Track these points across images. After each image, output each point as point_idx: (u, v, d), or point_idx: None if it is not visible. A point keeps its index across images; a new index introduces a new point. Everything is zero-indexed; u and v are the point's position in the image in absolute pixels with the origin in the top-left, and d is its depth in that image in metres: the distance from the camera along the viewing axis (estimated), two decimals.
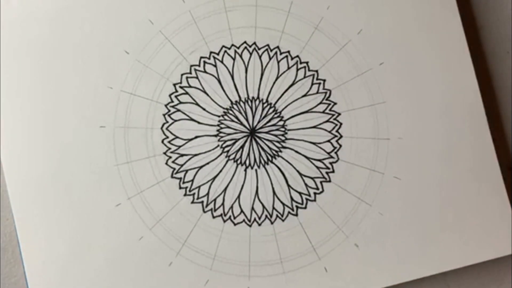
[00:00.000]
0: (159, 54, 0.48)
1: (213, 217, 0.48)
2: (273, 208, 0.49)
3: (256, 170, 0.49)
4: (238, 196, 0.49)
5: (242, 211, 0.49)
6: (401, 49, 0.52)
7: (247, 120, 0.50)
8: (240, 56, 0.50)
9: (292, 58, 0.50)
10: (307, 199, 0.49)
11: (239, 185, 0.49)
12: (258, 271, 0.48)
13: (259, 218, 0.49)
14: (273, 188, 0.49)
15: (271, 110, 0.50)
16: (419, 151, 0.51)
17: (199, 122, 0.49)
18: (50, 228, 0.46)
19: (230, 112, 0.49)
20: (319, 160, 0.50)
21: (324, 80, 0.51)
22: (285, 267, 0.48)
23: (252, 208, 0.49)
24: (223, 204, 0.48)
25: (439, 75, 0.52)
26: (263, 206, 0.49)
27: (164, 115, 0.48)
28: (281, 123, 0.50)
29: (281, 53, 0.50)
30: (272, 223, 0.49)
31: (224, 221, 0.48)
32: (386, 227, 0.50)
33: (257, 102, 0.50)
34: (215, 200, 0.48)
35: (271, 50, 0.50)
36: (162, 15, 0.49)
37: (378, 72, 0.51)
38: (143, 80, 0.48)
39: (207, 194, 0.48)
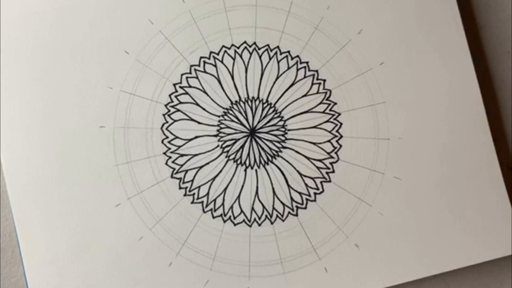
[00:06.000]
0: (159, 54, 0.48)
1: (213, 217, 0.48)
2: (273, 208, 0.49)
3: (256, 170, 0.49)
4: (238, 196, 0.49)
5: (242, 211, 0.49)
6: (401, 49, 0.52)
7: (247, 120, 0.50)
8: (240, 56, 0.50)
9: (292, 58, 0.50)
10: (307, 199, 0.49)
11: (239, 185, 0.49)
12: (258, 271, 0.48)
13: (259, 218, 0.49)
14: (273, 188, 0.49)
15: (271, 110, 0.50)
16: (419, 151, 0.51)
17: (199, 122, 0.49)
18: (50, 228, 0.46)
19: (230, 112, 0.49)
20: (319, 160, 0.50)
21: (324, 80, 0.51)
22: (285, 267, 0.48)
23: (252, 208, 0.49)
24: (223, 204, 0.48)
25: (440, 75, 0.52)
26: (263, 206, 0.49)
27: (164, 115, 0.48)
28: (281, 123, 0.50)
29: (281, 53, 0.50)
30: (272, 223, 0.49)
31: (224, 221, 0.48)
32: (386, 227, 0.50)
33: (257, 102, 0.50)
34: (215, 200, 0.48)
35: (271, 50, 0.50)
36: (162, 15, 0.49)
37: (378, 72, 0.51)
38: (143, 80, 0.48)
39: (207, 194, 0.48)
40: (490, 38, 0.56)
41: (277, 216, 0.49)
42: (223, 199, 0.48)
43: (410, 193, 0.51)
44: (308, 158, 0.50)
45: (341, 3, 0.51)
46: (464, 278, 0.53)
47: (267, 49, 0.50)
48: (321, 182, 0.50)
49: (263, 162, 0.49)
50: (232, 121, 0.49)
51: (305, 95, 0.50)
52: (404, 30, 0.52)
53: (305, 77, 0.50)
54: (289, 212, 0.49)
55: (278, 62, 0.50)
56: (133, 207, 0.47)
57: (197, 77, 0.49)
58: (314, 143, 0.50)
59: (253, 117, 0.50)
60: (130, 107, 0.48)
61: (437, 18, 0.52)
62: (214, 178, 0.49)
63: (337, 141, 0.50)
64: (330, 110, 0.50)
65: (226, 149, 0.49)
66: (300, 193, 0.49)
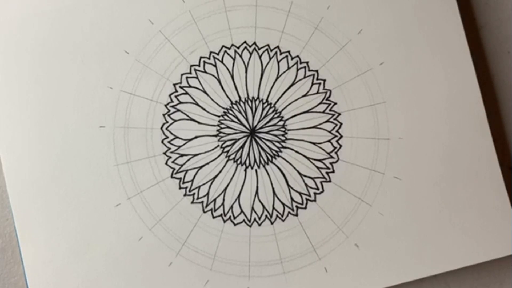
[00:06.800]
0: (159, 54, 0.48)
1: (213, 217, 0.48)
2: (273, 208, 0.49)
3: (256, 170, 0.49)
4: (238, 196, 0.49)
5: (242, 211, 0.49)
6: (401, 49, 0.52)
7: (247, 120, 0.50)
8: (240, 56, 0.50)
9: (292, 58, 0.50)
10: (307, 199, 0.49)
11: (239, 185, 0.49)
12: (258, 271, 0.48)
13: (259, 218, 0.49)
14: (273, 188, 0.49)
15: (271, 110, 0.50)
16: (419, 151, 0.51)
17: (199, 122, 0.49)
18: (50, 228, 0.46)
19: (230, 112, 0.49)
20: (319, 160, 0.50)
21: (324, 80, 0.51)
22: (285, 267, 0.48)
23: (252, 208, 0.49)
24: (223, 204, 0.48)
25: (440, 75, 0.52)
26: (263, 206, 0.49)
27: (164, 115, 0.48)
28: (281, 123, 0.50)
29: (281, 53, 0.50)
30: (272, 223, 0.49)
31: (224, 221, 0.48)
32: (386, 227, 0.50)
33: (257, 102, 0.50)
34: (215, 200, 0.48)
35: (271, 50, 0.50)
36: (162, 15, 0.49)
37: (378, 72, 0.51)
38: (143, 80, 0.48)
39: (207, 194, 0.48)
40: (490, 38, 0.56)
41: (277, 216, 0.49)
42: (223, 199, 0.48)
43: (410, 193, 0.51)
44: (308, 158, 0.50)
45: (341, 3, 0.51)
46: (464, 278, 0.53)
47: (267, 49, 0.50)
48: (321, 182, 0.50)
49: (263, 162, 0.49)
50: (232, 121, 0.49)
51: (305, 95, 0.50)
52: (404, 30, 0.52)
53: (305, 77, 0.50)
54: (289, 212, 0.49)
55: (278, 62, 0.50)
56: (133, 207, 0.47)
57: (197, 77, 0.49)
58: (314, 143, 0.50)
59: (253, 117, 0.50)
60: (130, 107, 0.48)
61: (437, 18, 0.53)
62: (214, 178, 0.49)
63: (337, 141, 0.50)
64: (330, 110, 0.50)
65: (226, 149, 0.49)
66: (300, 193, 0.49)
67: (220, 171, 0.49)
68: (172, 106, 0.48)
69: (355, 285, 0.49)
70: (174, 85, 0.49)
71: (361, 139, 0.51)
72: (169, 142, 0.48)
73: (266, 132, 0.50)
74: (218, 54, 0.49)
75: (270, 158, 0.49)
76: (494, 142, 0.52)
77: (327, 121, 0.50)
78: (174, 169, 0.48)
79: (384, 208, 0.50)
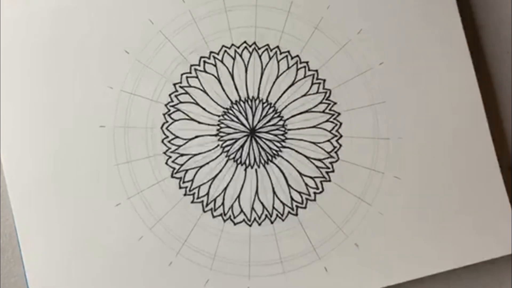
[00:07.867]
0: (159, 54, 0.48)
1: (213, 216, 0.48)
2: (273, 207, 0.49)
3: (256, 169, 0.49)
4: (238, 196, 0.49)
5: (242, 210, 0.49)
6: (401, 49, 0.52)
7: (247, 119, 0.50)
8: (240, 55, 0.50)
9: (292, 58, 0.50)
10: (307, 199, 0.49)
11: (239, 185, 0.49)
12: (258, 271, 0.48)
13: (259, 218, 0.49)
14: (273, 188, 0.49)
15: (271, 109, 0.50)
16: (419, 151, 0.51)
17: (199, 122, 0.49)
18: (50, 228, 0.46)
19: (230, 111, 0.49)
20: (319, 160, 0.50)
21: (324, 80, 0.51)
22: (285, 267, 0.48)
23: (252, 208, 0.49)
24: (223, 203, 0.48)
25: (439, 75, 0.52)
26: (263, 206, 0.49)
27: (164, 114, 0.48)
28: (281, 122, 0.50)
29: (281, 53, 0.50)
30: (272, 222, 0.49)
31: (224, 220, 0.48)
32: (386, 227, 0.50)
33: (257, 101, 0.50)
34: (215, 199, 0.48)
35: (271, 50, 0.50)
36: (162, 15, 0.49)
37: (378, 72, 0.51)
38: (143, 80, 0.48)
39: (207, 193, 0.48)
40: (490, 38, 0.56)
41: (277, 215, 0.49)
42: (223, 199, 0.48)
43: (410, 193, 0.51)
44: (308, 158, 0.50)
45: (341, 3, 0.51)
46: (464, 277, 0.53)
47: (267, 49, 0.50)
48: (321, 182, 0.50)
49: (263, 161, 0.49)
50: (232, 120, 0.49)
51: (305, 95, 0.50)
52: (404, 30, 0.52)
53: (305, 76, 0.50)
54: (289, 212, 0.49)
55: (278, 62, 0.50)
56: (133, 207, 0.47)
57: (197, 77, 0.49)
58: (314, 143, 0.50)
59: (253, 116, 0.50)
60: (130, 106, 0.48)
61: (437, 18, 0.53)
62: (214, 178, 0.49)
63: (337, 140, 0.50)
64: (330, 109, 0.51)
65: (226, 149, 0.49)
66: (300, 193, 0.49)
67: (220, 171, 0.49)
68: (172, 106, 0.49)
69: (355, 285, 0.49)
70: (174, 84, 0.49)
71: (361, 138, 0.51)
72: (169, 141, 0.48)
73: (266, 132, 0.50)
74: (218, 54, 0.49)
75: (270, 157, 0.49)
76: (494, 142, 0.52)
77: (327, 120, 0.50)
78: (174, 168, 0.48)
79: (384, 207, 0.50)
